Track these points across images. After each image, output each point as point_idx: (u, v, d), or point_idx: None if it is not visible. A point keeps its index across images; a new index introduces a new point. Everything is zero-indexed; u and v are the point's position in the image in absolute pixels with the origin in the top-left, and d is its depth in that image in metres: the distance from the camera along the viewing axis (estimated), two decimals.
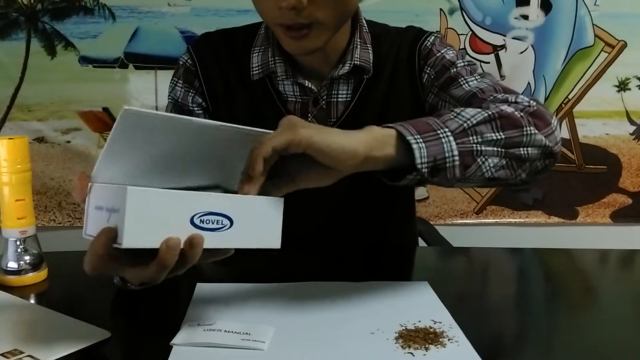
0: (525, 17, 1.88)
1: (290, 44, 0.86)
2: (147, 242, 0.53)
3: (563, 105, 1.96)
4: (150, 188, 0.54)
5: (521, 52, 1.90)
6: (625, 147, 2.00)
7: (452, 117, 0.73)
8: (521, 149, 0.76)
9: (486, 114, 0.74)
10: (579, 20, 1.90)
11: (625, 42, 1.92)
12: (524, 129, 0.76)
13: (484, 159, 0.73)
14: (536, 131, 0.76)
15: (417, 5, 1.85)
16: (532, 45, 1.89)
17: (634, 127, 1.99)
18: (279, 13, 0.81)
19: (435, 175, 0.70)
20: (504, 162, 0.75)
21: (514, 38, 1.89)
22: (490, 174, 0.74)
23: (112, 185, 0.55)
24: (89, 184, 0.58)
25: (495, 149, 0.74)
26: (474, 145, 0.72)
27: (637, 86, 1.96)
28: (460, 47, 1.89)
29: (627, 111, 1.97)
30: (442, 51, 0.96)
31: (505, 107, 0.77)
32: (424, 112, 0.96)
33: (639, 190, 2.03)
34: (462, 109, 0.76)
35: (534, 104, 0.80)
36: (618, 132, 1.99)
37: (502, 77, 1.91)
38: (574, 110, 1.96)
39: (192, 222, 0.55)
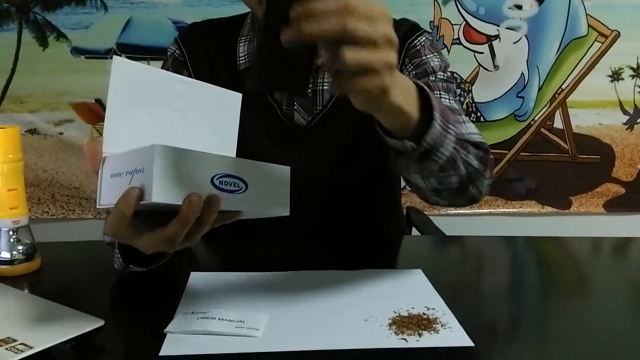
0: (519, 7, 1.88)
1: None
2: (173, 197, 0.54)
3: (557, 95, 1.96)
4: (175, 147, 0.55)
5: (515, 42, 1.90)
6: (619, 137, 2.01)
7: (461, 120, 0.75)
8: (471, 186, 0.78)
9: (479, 140, 0.76)
10: (572, 10, 1.90)
11: (619, 32, 1.92)
12: (486, 171, 0.78)
13: (452, 173, 0.74)
14: (488, 177, 0.80)
15: None
16: (525, 35, 1.90)
17: (627, 117, 1.99)
18: None
19: (423, 159, 0.69)
20: (457, 186, 0.76)
21: (507, 28, 1.89)
22: (440, 185, 0.75)
23: (134, 149, 0.56)
24: (103, 155, 0.59)
25: (464, 170, 0.74)
26: (459, 158, 0.72)
27: (630, 76, 1.96)
28: (454, 37, 1.88)
29: (620, 101, 1.98)
30: (429, 56, 0.96)
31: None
32: None
33: (632, 180, 2.04)
34: (468, 119, 0.77)
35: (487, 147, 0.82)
36: (611, 122, 2.00)
37: (496, 67, 1.91)
38: (567, 100, 1.97)
39: (212, 182, 0.57)
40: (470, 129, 0.76)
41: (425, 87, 0.66)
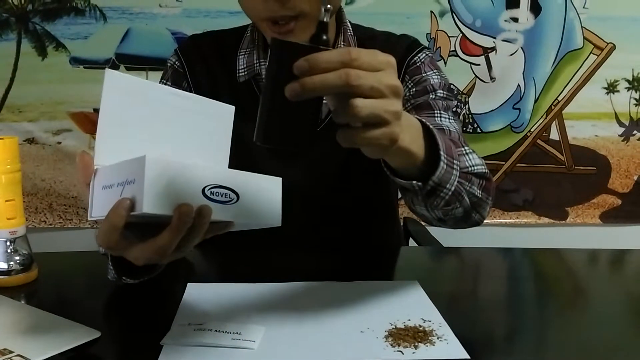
0: (515, 20, 1.89)
1: None
2: (163, 208, 0.54)
3: (553, 107, 1.97)
4: (166, 158, 0.55)
5: (511, 54, 1.91)
6: (615, 149, 2.02)
7: (464, 152, 0.75)
8: (474, 212, 0.79)
9: (482, 170, 0.77)
10: (568, 22, 1.91)
11: (614, 45, 1.94)
12: (489, 198, 0.79)
13: (457, 206, 0.75)
14: (490, 202, 0.81)
15: (408, 7, 1.86)
16: (521, 48, 1.91)
17: (622, 129, 2.01)
18: (264, 7, 0.81)
19: (429, 196, 0.70)
20: (461, 215, 0.77)
21: (504, 40, 1.90)
22: (445, 216, 0.76)
23: (125, 160, 0.56)
24: (95, 167, 0.59)
25: (468, 202, 0.76)
26: (463, 191, 0.74)
27: (626, 88, 1.98)
28: (451, 49, 1.90)
29: (615, 113, 1.99)
30: (429, 73, 0.96)
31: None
32: None
33: (628, 191, 2.05)
34: (472, 150, 0.77)
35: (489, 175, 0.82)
36: (607, 134, 2.01)
37: (492, 78, 1.92)
38: (563, 112, 1.98)
39: (203, 193, 0.57)
40: (473, 160, 0.77)
41: (430, 125, 0.67)
